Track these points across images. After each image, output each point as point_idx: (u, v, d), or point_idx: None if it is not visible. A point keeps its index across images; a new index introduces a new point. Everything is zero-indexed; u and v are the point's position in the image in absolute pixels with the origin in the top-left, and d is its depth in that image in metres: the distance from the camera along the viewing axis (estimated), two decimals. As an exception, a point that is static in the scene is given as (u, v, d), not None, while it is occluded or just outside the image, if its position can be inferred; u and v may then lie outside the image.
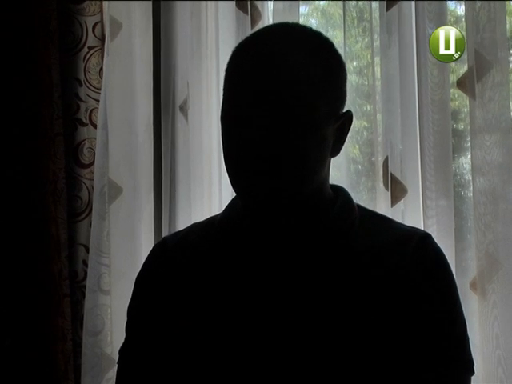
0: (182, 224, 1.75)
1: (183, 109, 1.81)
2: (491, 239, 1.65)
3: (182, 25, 1.82)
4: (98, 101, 1.80)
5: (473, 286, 1.67)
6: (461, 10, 1.88)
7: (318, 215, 1.00)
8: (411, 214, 1.72)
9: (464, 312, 1.00)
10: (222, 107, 0.98)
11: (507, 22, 1.70)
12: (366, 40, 1.86)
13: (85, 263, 1.78)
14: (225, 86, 0.98)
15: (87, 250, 1.78)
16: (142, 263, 1.13)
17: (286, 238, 0.99)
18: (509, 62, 1.75)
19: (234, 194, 1.02)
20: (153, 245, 1.77)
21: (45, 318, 1.68)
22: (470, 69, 1.69)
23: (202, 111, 1.83)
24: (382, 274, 0.96)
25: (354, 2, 1.85)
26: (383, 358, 0.93)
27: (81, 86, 1.80)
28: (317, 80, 0.94)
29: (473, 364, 0.98)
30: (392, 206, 1.72)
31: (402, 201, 1.72)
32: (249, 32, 1.70)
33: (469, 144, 1.72)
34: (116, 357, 1.66)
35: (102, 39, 1.82)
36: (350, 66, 1.87)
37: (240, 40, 1.02)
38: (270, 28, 1.06)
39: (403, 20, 1.74)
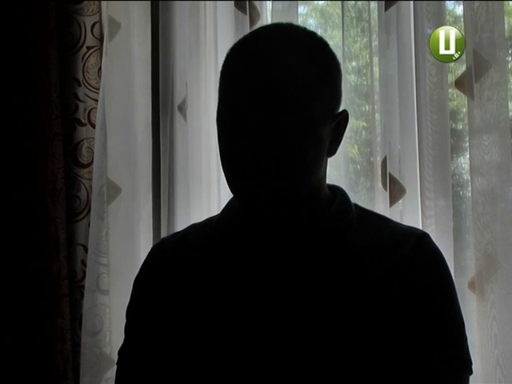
0: (181, 224, 1.75)
1: (182, 109, 1.81)
2: (490, 239, 1.65)
3: (180, 25, 1.82)
4: (96, 101, 1.80)
5: (471, 285, 1.67)
6: (459, 9, 1.88)
7: (316, 215, 1.00)
8: (410, 213, 1.72)
9: (462, 312, 1.01)
10: (218, 109, 0.98)
11: (505, 22, 1.70)
12: (365, 40, 1.86)
13: (83, 263, 1.78)
14: (220, 87, 0.99)
15: (86, 249, 1.78)
16: (141, 264, 1.13)
17: (283, 238, 0.99)
18: (507, 62, 1.75)
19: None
20: (151, 245, 1.77)
21: (44, 317, 1.68)
22: (468, 69, 1.70)
23: (201, 111, 1.83)
24: (379, 273, 0.96)
25: (353, 2, 1.85)
26: (381, 358, 0.93)
27: (79, 85, 1.80)
28: (312, 80, 0.94)
29: (471, 364, 0.98)
30: (390, 206, 1.72)
31: (400, 201, 1.72)
32: (247, 32, 1.70)
33: (467, 144, 1.72)
34: (115, 357, 1.65)
35: (101, 39, 1.82)
36: (349, 65, 1.87)
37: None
38: (264, 29, 1.06)
39: (402, 20, 1.74)
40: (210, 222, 1.11)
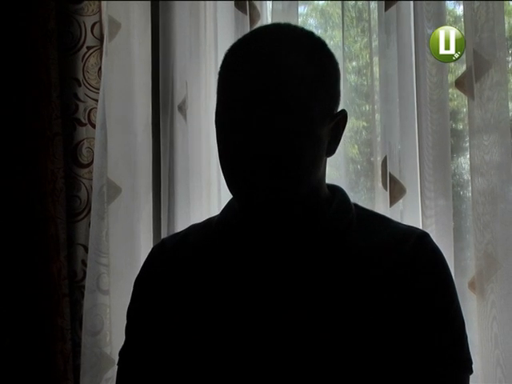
0: (181, 224, 1.75)
1: (182, 108, 1.81)
2: (490, 239, 1.65)
3: (180, 25, 1.82)
4: (96, 101, 1.80)
5: (471, 285, 1.67)
6: (459, 9, 1.88)
7: (315, 215, 1.00)
8: (410, 213, 1.72)
9: (463, 312, 1.00)
10: (216, 110, 0.99)
11: (506, 22, 1.70)
12: (365, 40, 1.86)
13: (84, 263, 1.78)
14: (218, 88, 0.99)
15: (86, 249, 1.78)
16: (141, 265, 1.13)
17: (282, 238, 0.99)
18: (507, 62, 1.75)
19: (232, 195, 1.02)
20: (151, 245, 1.78)
21: (44, 317, 1.68)
22: (468, 69, 1.69)
23: (201, 111, 1.83)
24: (379, 273, 0.96)
25: (353, 1, 1.85)
26: (381, 358, 0.93)
27: (79, 85, 1.80)
28: (310, 80, 0.94)
29: (471, 363, 0.98)
30: (391, 206, 1.72)
31: (400, 200, 1.72)
32: (248, 32, 1.70)
33: (467, 144, 1.72)
34: (115, 357, 1.65)
35: (101, 39, 1.82)
36: (349, 65, 1.87)
37: (239, 40, 1.02)
38: (263, 29, 1.06)
39: (402, 20, 1.74)
40: (210, 222, 1.11)
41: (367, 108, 1.86)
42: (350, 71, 1.87)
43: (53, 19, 1.75)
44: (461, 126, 1.84)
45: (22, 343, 1.67)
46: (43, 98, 1.72)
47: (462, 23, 1.74)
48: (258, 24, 1.81)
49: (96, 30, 1.82)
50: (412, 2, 1.75)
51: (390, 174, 1.72)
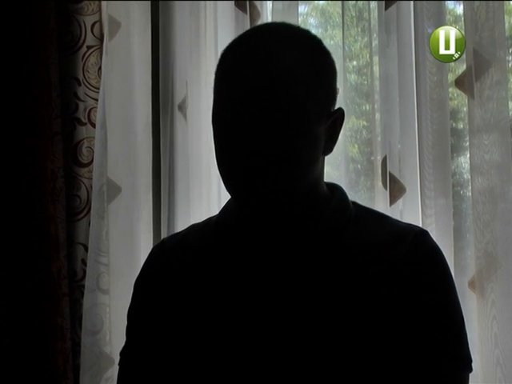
0: (181, 223, 1.75)
1: (182, 108, 1.81)
2: (490, 238, 1.65)
3: (180, 24, 1.82)
4: (96, 100, 1.80)
5: (471, 284, 1.67)
6: (459, 9, 1.88)
7: (313, 214, 1.00)
8: (410, 212, 1.72)
9: (463, 311, 1.00)
10: (213, 110, 0.99)
11: (506, 22, 1.70)
12: (365, 39, 1.86)
13: (84, 262, 1.78)
14: (215, 88, 0.99)
15: (86, 249, 1.78)
16: (141, 265, 1.13)
17: (281, 237, 0.99)
18: (507, 61, 1.75)
19: (232, 194, 1.02)
20: (151, 244, 1.78)
21: (44, 317, 1.68)
22: (468, 68, 1.69)
23: (201, 110, 1.83)
24: (378, 270, 0.96)
25: (353, 1, 1.85)
26: (381, 355, 0.93)
27: (79, 85, 1.80)
28: (306, 78, 0.94)
29: (471, 361, 0.98)
30: (391, 205, 1.72)
31: (400, 200, 1.72)
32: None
33: (467, 143, 1.72)
34: (115, 356, 1.66)
35: (101, 38, 1.82)
36: (349, 65, 1.87)
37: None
38: (257, 29, 1.07)
39: (402, 19, 1.74)
40: (209, 222, 1.11)
41: (367, 107, 1.86)
42: (350, 70, 1.87)
43: (53, 18, 1.75)
44: (461, 126, 1.84)
45: (21, 342, 1.67)
46: (43, 98, 1.72)
47: (462, 22, 1.74)
48: (259, 23, 1.81)
49: (96, 29, 1.82)
50: (412, 2, 1.75)
51: (389, 173, 1.72)
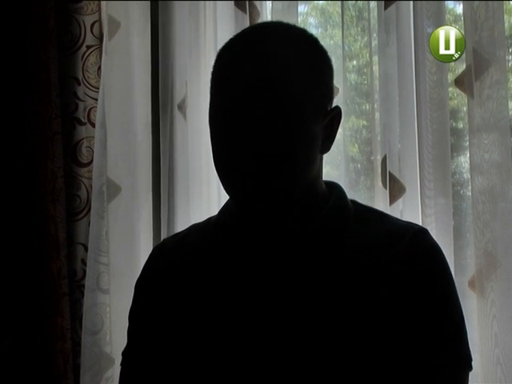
0: (181, 223, 1.75)
1: (181, 108, 1.81)
2: (490, 238, 1.65)
3: (180, 24, 1.82)
4: (96, 100, 1.80)
5: (471, 284, 1.68)
6: (459, 8, 1.88)
7: (311, 212, 1.00)
8: (410, 212, 1.72)
9: (463, 310, 1.00)
10: (210, 111, 0.98)
11: (505, 21, 1.70)
12: (365, 39, 1.86)
13: (84, 262, 1.78)
14: (212, 89, 0.99)
15: (86, 248, 1.78)
16: (141, 265, 1.13)
17: (279, 236, 0.99)
18: (507, 61, 1.75)
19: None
20: (151, 244, 1.78)
21: (44, 317, 1.68)
22: (468, 67, 1.70)
23: (201, 110, 1.83)
24: (377, 269, 0.96)
25: (353, 1, 1.85)
26: (381, 354, 0.93)
27: (79, 84, 1.80)
28: (302, 77, 0.94)
29: (471, 359, 0.97)
30: (390, 205, 1.72)
31: (400, 199, 1.72)
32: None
33: (467, 143, 1.72)
34: (115, 356, 1.65)
35: (100, 38, 1.82)
36: (349, 64, 1.87)
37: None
38: (254, 28, 1.07)
39: (401, 19, 1.74)
40: (209, 222, 1.11)
41: (367, 107, 1.86)
42: (349, 70, 1.87)
43: (52, 18, 1.75)
44: (461, 125, 1.84)
45: (22, 342, 1.67)
46: (43, 97, 1.72)
47: (462, 22, 1.74)
48: (258, 23, 1.81)
49: (95, 29, 1.82)
50: (412, 1, 1.75)
51: (389, 172, 1.72)
